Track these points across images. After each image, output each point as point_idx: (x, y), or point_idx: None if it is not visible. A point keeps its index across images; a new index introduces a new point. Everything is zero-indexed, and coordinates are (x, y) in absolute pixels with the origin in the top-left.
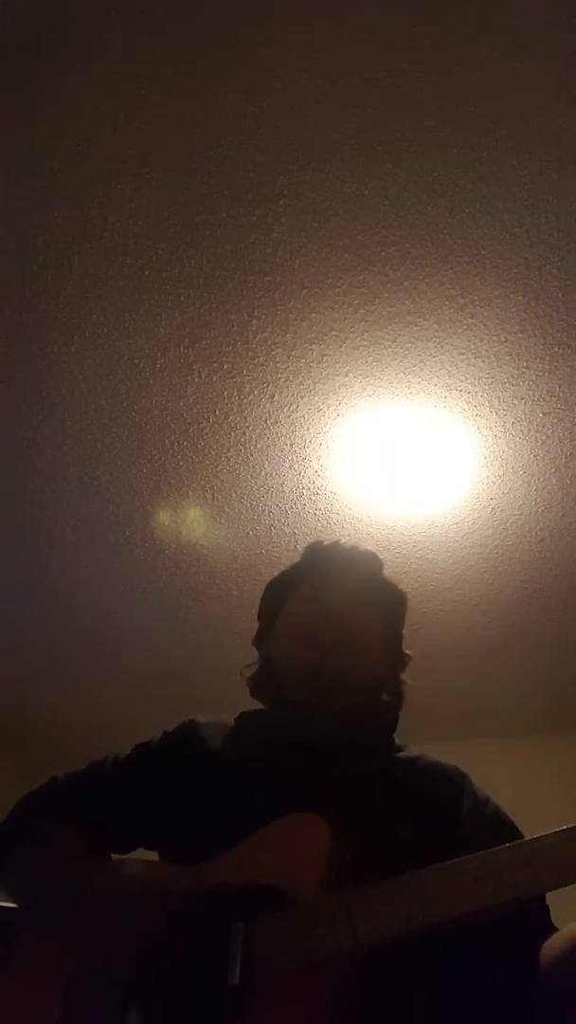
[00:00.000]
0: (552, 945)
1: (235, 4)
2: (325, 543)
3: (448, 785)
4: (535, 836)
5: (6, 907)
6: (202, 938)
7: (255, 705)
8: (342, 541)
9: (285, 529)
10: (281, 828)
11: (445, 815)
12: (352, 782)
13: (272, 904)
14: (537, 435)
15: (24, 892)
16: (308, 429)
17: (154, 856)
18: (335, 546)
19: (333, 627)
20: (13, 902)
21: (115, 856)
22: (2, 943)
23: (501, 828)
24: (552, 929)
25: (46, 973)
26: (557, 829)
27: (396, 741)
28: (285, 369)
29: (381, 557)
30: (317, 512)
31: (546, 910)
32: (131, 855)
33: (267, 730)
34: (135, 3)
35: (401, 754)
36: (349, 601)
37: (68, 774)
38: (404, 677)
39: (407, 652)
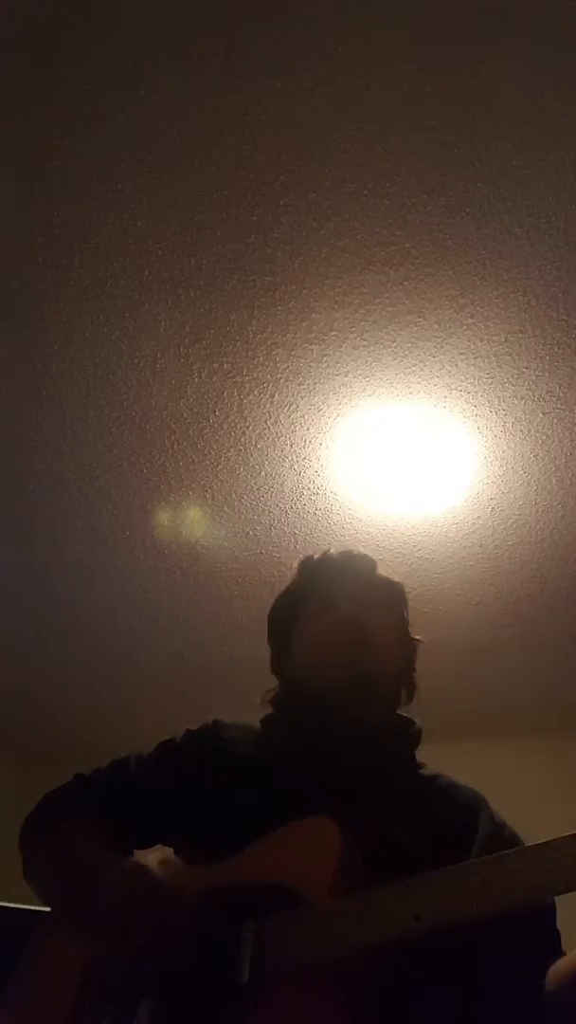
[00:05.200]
0: (559, 967)
1: (235, 4)
2: (316, 556)
3: (465, 807)
4: (542, 841)
5: (10, 907)
6: (213, 937)
7: (257, 705)
8: (331, 550)
9: (285, 529)
10: (293, 830)
11: (459, 834)
12: (369, 791)
13: (282, 904)
14: (537, 435)
15: (45, 887)
16: (308, 429)
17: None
18: (328, 557)
19: (355, 634)
20: (35, 895)
21: (135, 851)
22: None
23: None
24: (561, 953)
25: (61, 966)
26: (566, 834)
27: (417, 759)
28: (285, 369)
29: (381, 557)
30: (317, 512)
31: (556, 933)
32: (150, 850)
33: (291, 735)
34: (135, 3)
35: (421, 771)
36: (360, 605)
37: (93, 771)
38: (416, 665)
39: (416, 637)
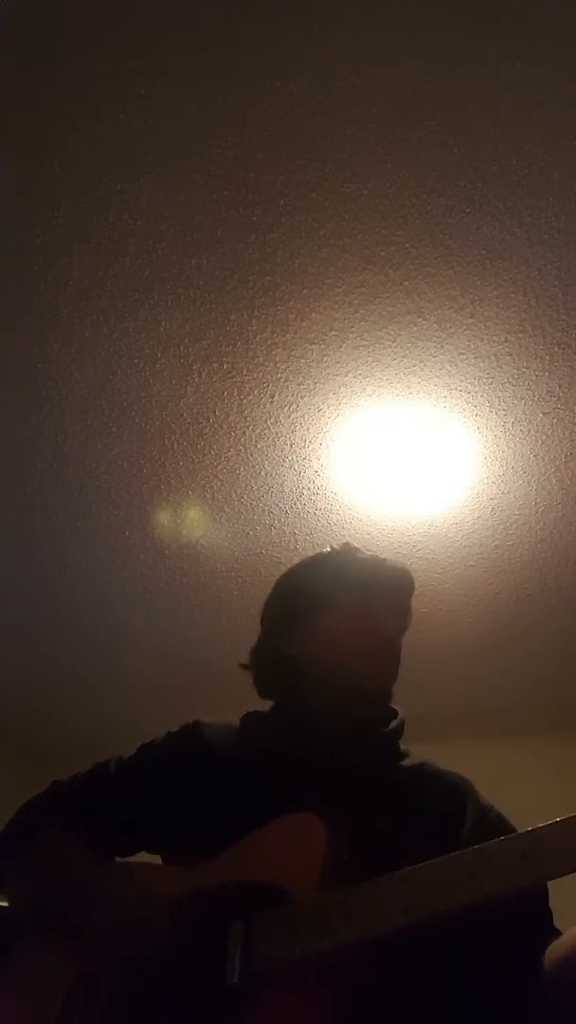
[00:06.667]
0: (556, 948)
1: (235, 4)
2: (362, 553)
3: (452, 792)
4: (529, 828)
5: (6, 907)
6: (201, 938)
7: (256, 705)
8: (383, 556)
9: (285, 529)
10: (278, 828)
11: (447, 821)
12: (355, 785)
13: (270, 903)
14: (537, 435)
15: (27, 898)
16: (308, 429)
17: (157, 859)
18: (379, 560)
19: (393, 652)
20: (16, 908)
21: (118, 859)
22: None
23: (504, 835)
24: (556, 932)
25: (48, 975)
26: (551, 820)
27: (402, 748)
28: (285, 369)
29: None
30: (317, 512)
31: (548, 913)
32: (133, 858)
33: (273, 732)
34: (135, 3)
35: (406, 760)
36: (398, 623)
37: (71, 777)
38: None
39: None
